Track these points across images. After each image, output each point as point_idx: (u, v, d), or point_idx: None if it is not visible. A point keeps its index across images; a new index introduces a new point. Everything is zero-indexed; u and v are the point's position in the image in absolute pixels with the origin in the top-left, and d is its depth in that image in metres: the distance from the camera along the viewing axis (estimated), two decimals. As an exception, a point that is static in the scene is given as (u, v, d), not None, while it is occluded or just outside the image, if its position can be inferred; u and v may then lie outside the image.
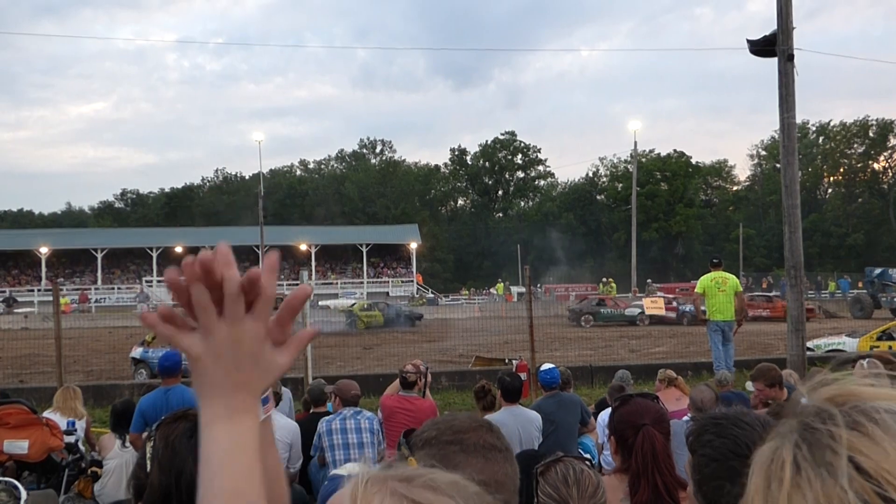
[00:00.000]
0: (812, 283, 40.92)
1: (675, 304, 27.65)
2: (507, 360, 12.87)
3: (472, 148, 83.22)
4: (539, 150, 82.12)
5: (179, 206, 78.36)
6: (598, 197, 77.34)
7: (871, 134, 68.28)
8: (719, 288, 11.37)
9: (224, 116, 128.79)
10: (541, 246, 68.35)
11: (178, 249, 55.56)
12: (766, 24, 12.34)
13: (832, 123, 71.03)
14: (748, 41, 11.73)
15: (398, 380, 6.16)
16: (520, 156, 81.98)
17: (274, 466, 0.82)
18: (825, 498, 0.52)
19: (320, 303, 40.24)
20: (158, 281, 53.16)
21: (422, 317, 31.28)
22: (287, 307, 0.79)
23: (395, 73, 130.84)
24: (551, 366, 6.17)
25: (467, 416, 1.30)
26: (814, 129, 70.94)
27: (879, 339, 14.83)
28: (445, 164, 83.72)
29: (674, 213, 68.77)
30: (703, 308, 11.59)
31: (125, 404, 5.87)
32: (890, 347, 13.75)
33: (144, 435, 1.91)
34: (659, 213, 68.15)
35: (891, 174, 68.99)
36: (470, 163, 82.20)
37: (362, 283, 55.55)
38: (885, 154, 68.93)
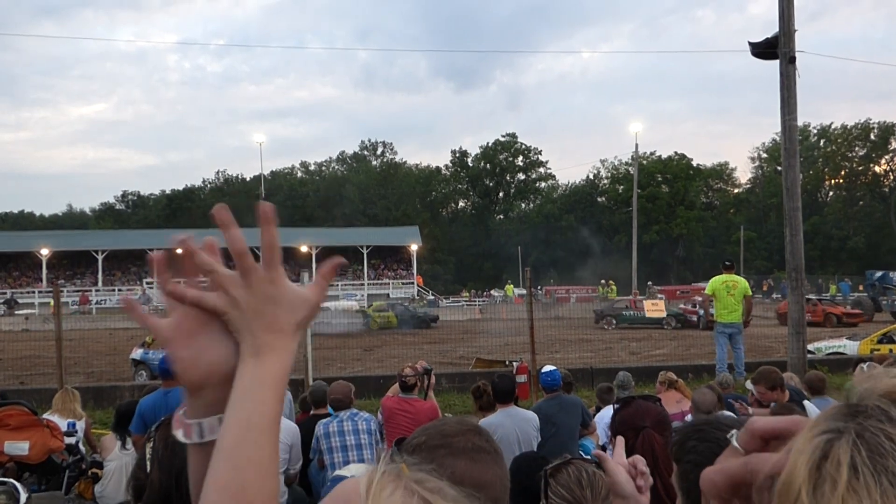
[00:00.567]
0: (813, 286, 40.90)
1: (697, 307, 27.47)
2: (507, 362, 12.85)
3: (473, 150, 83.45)
4: (540, 152, 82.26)
5: (180, 208, 78.43)
6: (599, 199, 77.37)
7: (872, 137, 68.26)
8: (729, 291, 11.39)
9: (225, 118, 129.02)
10: (542, 248, 68.35)
11: (179, 251, 55.66)
12: (768, 27, 12.29)
13: (833, 126, 71.08)
14: (750, 43, 11.74)
15: (397, 381, 6.16)
16: (521, 158, 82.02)
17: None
18: None
19: (321, 304, 40.30)
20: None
21: (437, 318, 30.97)
22: (324, 267, 0.91)
23: (396, 74, 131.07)
24: (552, 368, 6.16)
25: (457, 420, 1.31)
26: (815, 131, 70.93)
27: (880, 342, 14.82)
28: (446, 166, 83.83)
29: (675, 215, 68.76)
30: (711, 311, 11.60)
31: (129, 406, 5.86)
32: (891, 350, 13.72)
33: (145, 437, 1.91)
34: (660, 215, 68.15)
35: (892, 177, 68.99)
36: (471, 164, 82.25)
37: (363, 284, 55.55)
38: (887, 157, 68.93)
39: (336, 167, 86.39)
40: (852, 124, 69.73)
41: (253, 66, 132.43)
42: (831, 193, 72.98)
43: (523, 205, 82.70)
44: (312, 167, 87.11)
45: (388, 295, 53.33)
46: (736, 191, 78.21)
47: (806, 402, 5.29)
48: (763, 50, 11.58)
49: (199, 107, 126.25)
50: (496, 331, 25.90)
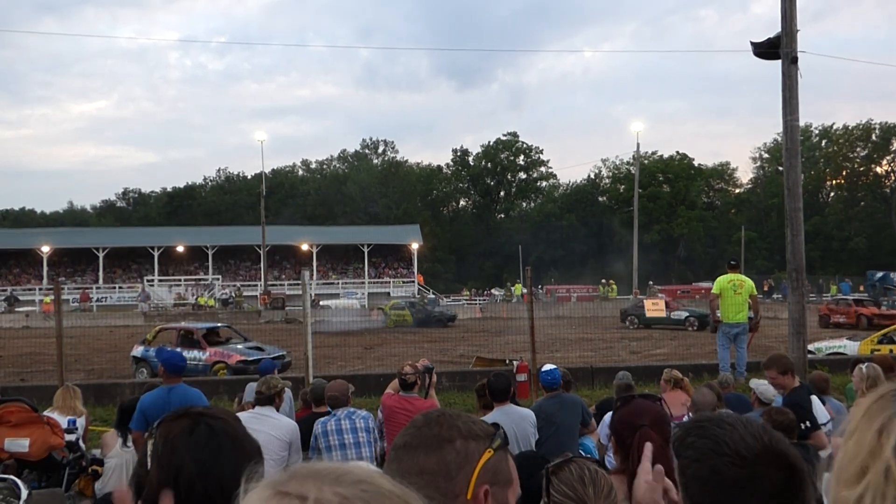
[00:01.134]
0: (814, 286, 40.91)
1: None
2: (507, 361, 12.86)
3: (475, 149, 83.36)
4: (541, 151, 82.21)
5: (181, 206, 78.45)
6: (600, 198, 77.34)
7: (874, 137, 68.19)
8: (735, 290, 11.38)
9: (226, 115, 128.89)
10: (542, 247, 68.32)
11: (180, 249, 55.69)
12: (770, 27, 12.24)
13: (835, 126, 71.04)
14: (752, 43, 11.72)
15: (397, 379, 6.16)
16: (522, 157, 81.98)
17: None
18: None
19: (322, 303, 40.27)
20: (160, 280, 53.25)
21: (455, 318, 30.83)
22: None
23: (398, 73, 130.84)
24: (552, 367, 6.16)
25: (437, 412, 1.33)
26: (817, 132, 70.88)
27: (880, 342, 14.82)
28: (447, 165, 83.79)
29: (676, 214, 68.72)
30: (717, 311, 11.59)
31: (132, 402, 5.86)
32: (891, 351, 13.71)
33: (146, 434, 1.91)
34: (661, 214, 68.12)
35: (893, 178, 68.92)
36: (472, 163, 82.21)
37: (363, 283, 55.56)
38: (888, 158, 68.87)
39: (337, 165, 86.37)
40: (854, 125, 69.76)
41: (254, 64, 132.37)
42: (832, 194, 72.92)
43: (524, 204, 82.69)
44: (314, 165, 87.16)
45: (388, 294, 53.35)
46: (737, 191, 78.16)
47: (813, 397, 5.29)
48: (765, 50, 11.56)
49: (200, 104, 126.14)
50: (496, 329, 25.92)
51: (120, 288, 52.86)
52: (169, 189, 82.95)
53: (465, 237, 75.84)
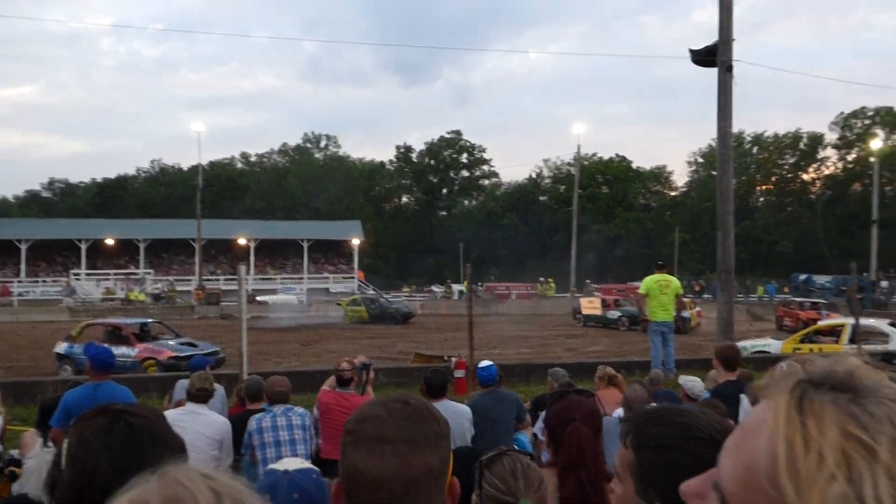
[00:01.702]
0: (742, 287, 42.52)
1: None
2: (445, 357, 12.89)
3: (418, 145, 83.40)
4: (484, 150, 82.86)
5: (112, 197, 75.72)
6: (541, 198, 78.47)
7: (801, 146, 71.23)
8: (662, 290, 11.67)
9: (162, 105, 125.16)
10: (483, 245, 68.86)
11: (110, 242, 53.72)
12: (710, 35, 12.70)
13: (766, 134, 73.91)
14: (690, 51, 12.06)
15: (333, 376, 6.10)
16: (465, 155, 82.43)
17: None
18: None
19: (259, 298, 39.55)
20: (87, 274, 51.28)
21: (413, 314, 30.13)
22: None
23: (343, 67, 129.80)
24: (489, 363, 6.21)
25: (411, 398, 1.26)
26: (749, 138, 73.57)
27: (802, 341, 15.48)
28: (391, 161, 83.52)
29: (614, 215, 70.34)
30: (645, 310, 11.87)
31: (55, 400, 5.61)
32: (811, 350, 14.36)
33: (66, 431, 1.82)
34: (599, 215, 69.56)
35: (818, 185, 72.14)
36: (415, 160, 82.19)
37: (302, 278, 54.82)
38: (815, 166, 72.06)
39: (278, 159, 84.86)
40: (783, 133, 72.76)
41: (193, 53, 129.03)
42: (762, 199, 75.81)
43: (466, 202, 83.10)
44: (253, 158, 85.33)
45: (327, 290, 52.81)
46: (673, 194, 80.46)
47: (742, 396, 5.48)
48: (703, 58, 11.92)
49: (134, 93, 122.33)
50: (436, 326, 25.98)
51: (44, 282, 50.66)
52: (99, 180, 79.98)
53: (407, 234, 75.75)
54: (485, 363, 6.24)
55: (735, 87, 11.65)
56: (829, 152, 70.62)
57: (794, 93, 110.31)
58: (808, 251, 65.08)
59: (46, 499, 1.74)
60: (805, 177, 72.87)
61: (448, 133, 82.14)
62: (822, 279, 35.41)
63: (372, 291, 49.76)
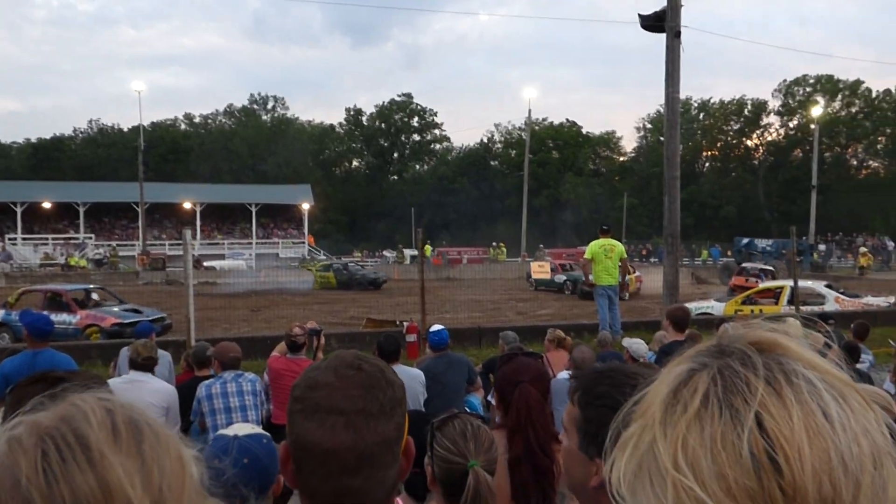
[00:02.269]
0: (687, 250, 43.65)
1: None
2: (397, 322, 12.93)
3: (368, 108, 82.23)
4: (436, 114, 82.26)
5: (47, 159, 72.65)
6: (493, 163, 78.59)
7: (746, 112, 72.89)
8: (606, 254, 11.87)
9: (99, 63, 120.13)
10: (435, 209, 68.82)
11: (47, 205, 51.69)
12: (659, 1, 12.78)
13: (712, 101, 75.34)
14: (639, 16, 12.10)
15: (284, 341, 6.04)
16: (416, 118, 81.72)
17: None
18: (721, 439, 0.54)
19: (205, 264, 38.80)
20: (24, 239, 49.39)
21: (384, 281, 29.55)
22: None
23: (290, 25, 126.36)
24: (440, 327, 6.25)
25: (367, 360, 1.22)
26: (696, 105, 74.90)
27: (744, 303, 16.06)
28: (340, 124, 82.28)
29: (564, 180, 71.01)
30: (590, 275, 12.07)
31: (-10, 370, 5.42)
32: (752, 311, 14.90)
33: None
34: (550, 180, 70.15)
35: (762, 151, 74.12)
36: (365, 123, 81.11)
37: (251, 243, 53.94)
38: (758, 132, 73.95)
39: (223, 120, 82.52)
40: (729, 100, 74.29)
41: (130, 8, 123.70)
42: (707, 164, 77.56)
43: (418, 166, 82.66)
44: (197, 120, 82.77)
45: (277, 255, 52.14)
46: (621, 159, 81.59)
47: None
48: (652, 23, 11.98)
49: (69, 49, 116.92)
50: (388, 291, 25.97)
51: (-23, 246, 48.59)
52: (34, 140, 76.52)
53: (358, 198, 75.08)
54: (436, 327, 6.28)
55: (683, 54, 11.78)
56: (773, 119, 72.66)
57: (740, 60, 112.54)
58: (750, 215, 67.08)
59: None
60: (749, 143, 74.76)
61: (399, 96, 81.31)
62: (763, 243, 36.50)
63: (322, 257, 49.40)
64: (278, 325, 14.82)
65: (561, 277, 27.13)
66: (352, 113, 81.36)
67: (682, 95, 12.55)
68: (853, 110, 67.70)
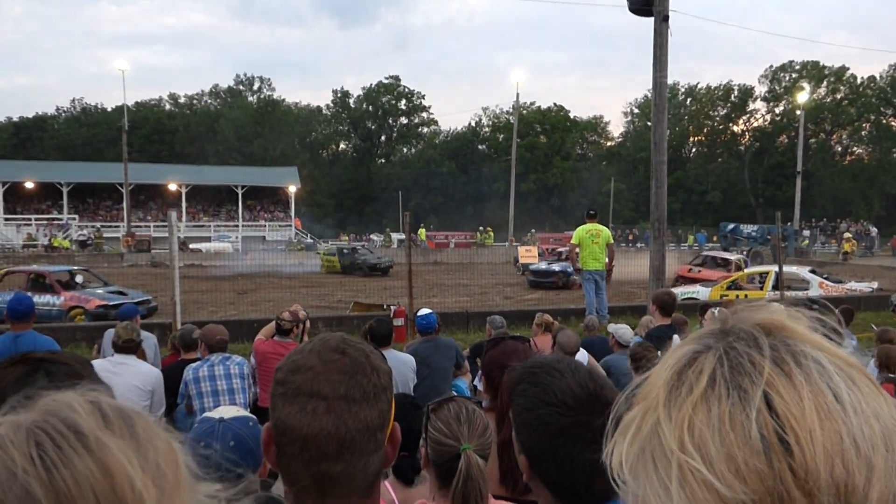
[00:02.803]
0: (673, 235, 43.88)
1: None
2: (385, 306, 12.92)
3: (356, 91, 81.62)
4: (423, 97, 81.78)
5: (30, 138, 71.66)
6: (480, 146, 78.40)
7: (732, 98, 73.09)
8: (593, 239, 11.91)
9: (82, 41, 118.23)
10: (422, 193, 68.65)
11: (29, 185, 51.04)
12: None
13: (699, 86, 75.48)
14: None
15: (273, 322, 6.02)
16: (404, 101, 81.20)
17: None
18: (729, 420, 0.53)
19: (191, 246, 38.53)
20: (6, 219, 48.80)
21: (390, 267, 29.24)
22: None
23: (277, 5, 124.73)
24: (428, 311, 6.24)
25: (350, 344, 1.22)
26: (683, 90, 74.99)
27: (729, 288, 16.19)
28: (328, 106, 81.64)
29: (551, 165, 71.03)
30: (577, 262, 12.11)
31: (-30, 352, 5.35)
32: (737, 296, 15.04)
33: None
34: (537, 164, 70.16)
35: (747, 137, 74.46)
36: (353, 106, 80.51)
37: (237, 226, 53.60)
38: (744, 118, 74.24)
39: (209, 101, 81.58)
40: (716, 85, 74.43)
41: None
42: (694, 150, 77.83)
43: (405, 149, 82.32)
44: (182, 100, 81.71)
45: (264, 238, 51.87)
46: (609, 144, 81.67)
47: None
48: (640, 7, 11.91)
49: (51, 26, 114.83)
50: (378, 274, 25.91)
51: (-42, 227, 48.00)
52: (15, 119, 75.36)
53: (345, 181, 74.71)
54: (424, 311, 6.27)
55: (671, 38, 11.75)
56: (759, 104, 72.92)
57: (727, 46, 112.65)
58: (736, 201, 67.49)
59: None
60: (735, 128, 75.04)
61: (386, 78, 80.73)
62: (748, 228, 36.73)
63: (310, 240, 49.20)
64: (265, 309, 14.78)
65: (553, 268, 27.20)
66: (339, 95, 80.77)
67: (670, 81, 12.54)
68: (838, 97, 68.07)
